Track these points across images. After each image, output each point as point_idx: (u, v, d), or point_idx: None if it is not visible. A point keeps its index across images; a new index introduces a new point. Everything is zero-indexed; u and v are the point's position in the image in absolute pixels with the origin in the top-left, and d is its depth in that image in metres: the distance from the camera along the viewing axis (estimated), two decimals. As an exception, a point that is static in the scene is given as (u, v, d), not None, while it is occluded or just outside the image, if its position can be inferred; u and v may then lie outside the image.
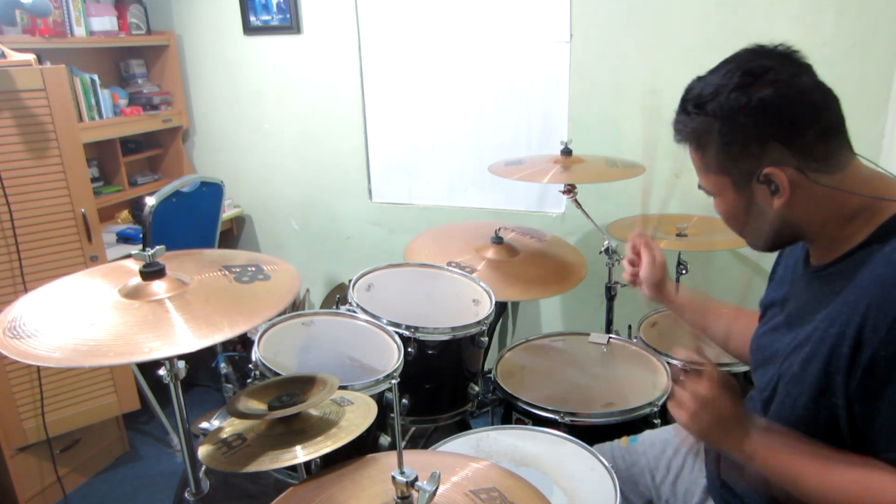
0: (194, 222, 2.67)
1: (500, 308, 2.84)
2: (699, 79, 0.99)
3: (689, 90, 1.00)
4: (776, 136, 0.93)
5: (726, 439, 1.01)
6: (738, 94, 0.93)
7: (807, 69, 0.95)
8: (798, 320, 1.03)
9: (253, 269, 1.23)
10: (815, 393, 0.95)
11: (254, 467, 1.08)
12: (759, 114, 0.92)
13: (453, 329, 1.71)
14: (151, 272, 1.12)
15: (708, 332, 1.45)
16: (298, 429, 1.17)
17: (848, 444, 0.94)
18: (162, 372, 1.17)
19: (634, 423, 1.59)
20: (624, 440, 1.48)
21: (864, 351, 0.88)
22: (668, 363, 1.79)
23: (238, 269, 1.22)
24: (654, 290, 1.42)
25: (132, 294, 1.11)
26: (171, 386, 1.18)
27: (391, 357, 1.57)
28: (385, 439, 1.51)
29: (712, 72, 0.98)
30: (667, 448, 1.41)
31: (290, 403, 1.17)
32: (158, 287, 1.12)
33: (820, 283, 1.00)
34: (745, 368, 1.55)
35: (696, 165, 1.04)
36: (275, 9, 2.94)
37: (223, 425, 1.24)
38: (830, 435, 0.96)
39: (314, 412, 1.21)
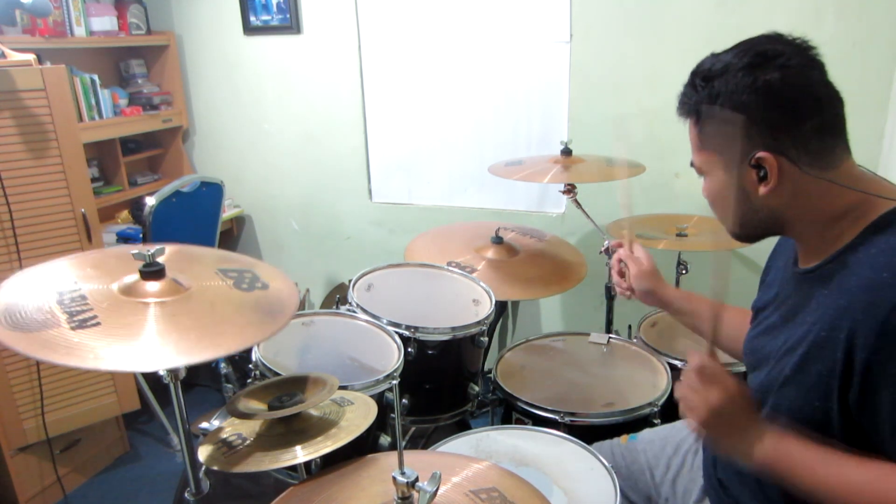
0: (194, 222, 2.67)
1: (500, 308, 2.84)
2: (713, 55, 0.99)
3: (700, 65, 1.00)
4: (775, 121, 0.93)
5: (739, 448, 0.99)
6: (745, 73, 0.93)
7: (819, 66, 0.95)
8: (789, 322, 1.03)
9: (249, 275, 1.23)
10: (808, 396, 0.95)
11: (254, 467, 1.08)
12: (762, 96, 0.92)
13: (453, 329, 1.71)
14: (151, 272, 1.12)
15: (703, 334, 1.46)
16: (298, 429, 1.17)
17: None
18: (162, 372, 1.17)
19: (634, 424, 1.59)
20: (623, 438, 1.49)
21: (858, 357, 0.88)
22: (669, 363, 1.79)
23: (235, 275, 1.21)
24: (650, 297, 1.42)
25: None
26: (171, 386, 1.17)
27: (391, 357, 1.57)
28: (385, 439, 1.51)
29: (727, 50, 0.98)
30: (666, 446, 1.41)
31: (290, 403, 1.17)
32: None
33: (809, 285, 1.00)
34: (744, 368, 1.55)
35: (693, 141, 1.04)
36: (275, 9, 2.94)
37: (223, 425, 1.24)
38: (822, 435, 0.95)
39: (314, 412, 1.21)
